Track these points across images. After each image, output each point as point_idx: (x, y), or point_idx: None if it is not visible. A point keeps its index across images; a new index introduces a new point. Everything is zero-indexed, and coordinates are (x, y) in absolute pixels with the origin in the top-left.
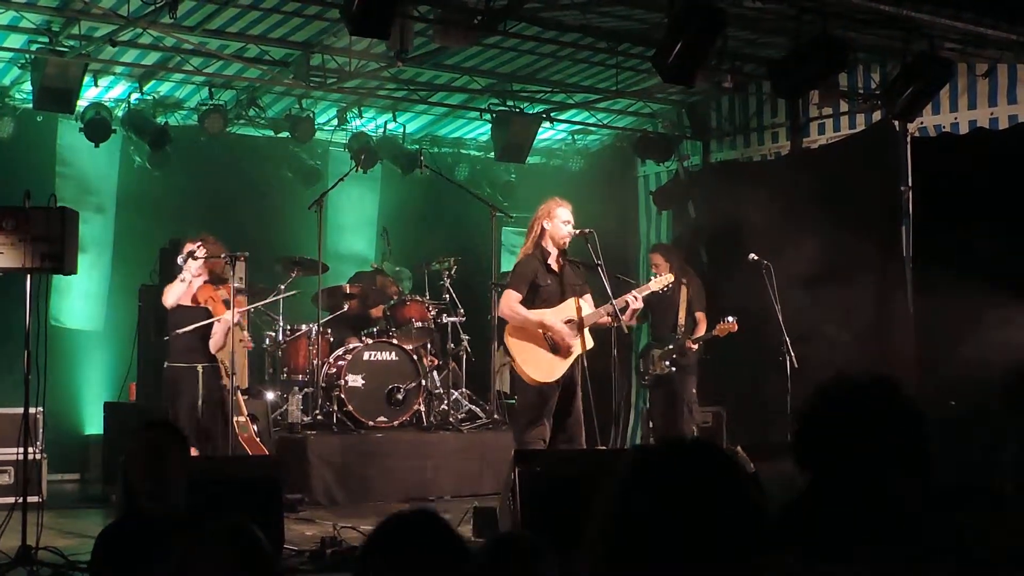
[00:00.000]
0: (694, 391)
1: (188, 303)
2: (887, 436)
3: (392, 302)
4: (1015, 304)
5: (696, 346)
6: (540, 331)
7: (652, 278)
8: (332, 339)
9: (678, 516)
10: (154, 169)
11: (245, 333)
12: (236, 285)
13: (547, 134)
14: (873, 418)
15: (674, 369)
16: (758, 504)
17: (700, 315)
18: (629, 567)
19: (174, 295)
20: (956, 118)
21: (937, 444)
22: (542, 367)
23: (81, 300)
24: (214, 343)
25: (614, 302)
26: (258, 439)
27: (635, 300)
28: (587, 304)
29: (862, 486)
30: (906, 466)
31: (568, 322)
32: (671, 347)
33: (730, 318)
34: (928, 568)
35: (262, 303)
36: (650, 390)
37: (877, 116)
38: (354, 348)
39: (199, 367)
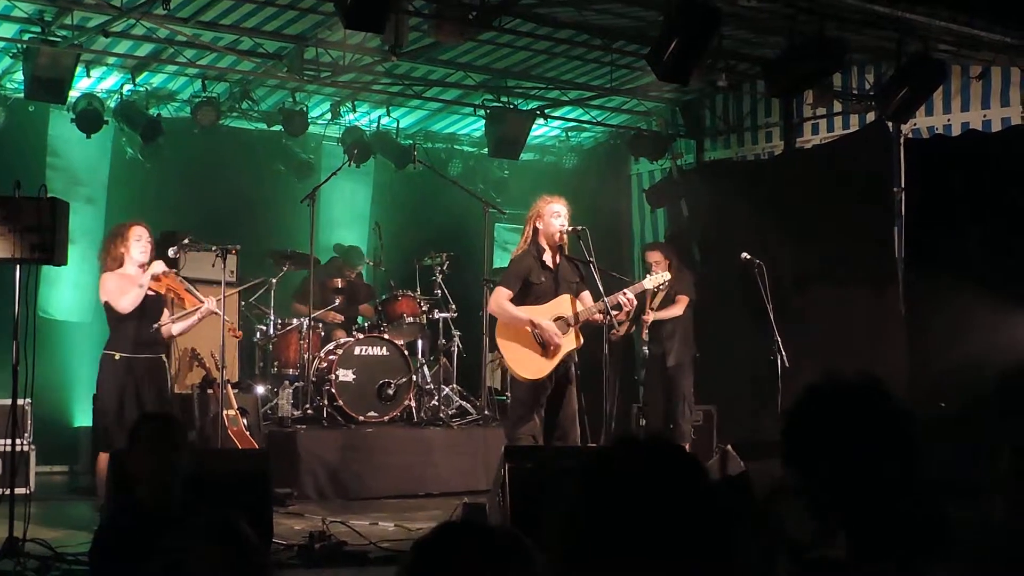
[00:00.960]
0: (692, 389)
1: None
2: (875, 436)
3: (383, 297)
4: (1007, 305)
5: (651, 316)
6: (528, 329)
7: (647, 276)
8: (323, 333)
9: (628, 513)
10: (146, 161)
11: (229, 320)
12: (228, 279)
13: (541, 131)
14: (861, 418)
15: (634, 327)
16: (718, 504)
17: (681, 298)
18: (583, 565)
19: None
20: (949, 120)
21: (926, 444)
22: (530, 364)
23: (71, 291)
24: (178, 331)
25: (606, 300)
26: (248, 433)
27: (628, 302)
28: (583, 302)
29: (849, 486)
30: (895, 466)
31: (558, 319)
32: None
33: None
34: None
35: (234, 291)
36: (644, 387)
37: (871, 117)
38: (345, 343)
39: (163, 357)
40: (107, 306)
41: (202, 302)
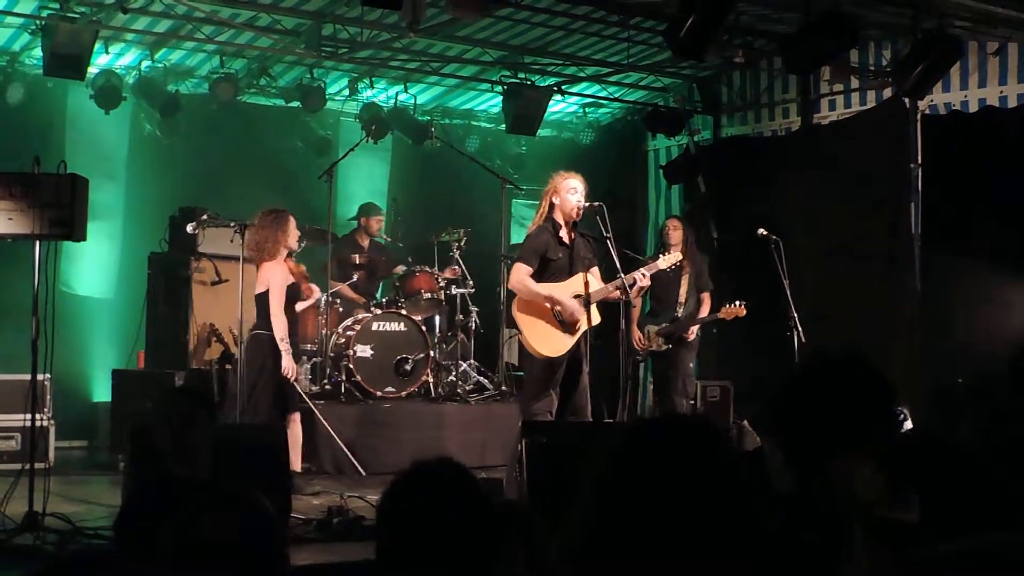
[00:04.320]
0: (692, 365)
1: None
2: (856, 410)
3: (401, 273)
4: (1022, 282)
5: (694, 332)
6: (548, 305)
7: (661, 255)
8: (341, 309)
9: (671, 492)
10: (164, 137)
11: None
12: (246, 255)
13: (558, 107)
14: (841, 392)
15: (670, 346)
16: (751, 484)
17: (705, 296)
18: (616, 545)
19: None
20: (966, 96)
21: (943, 418)
22: (550, 341)
23: (92, 267)
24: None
25: (623, 277)
26: None
27: (643, 278)
28: (595, 278)
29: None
30: (876, 436)
31: (576, 297)
32: (667, 325)
33: (739, 302)
34: None
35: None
36: (653, 364)
37: (888, 93)
38: (363, 318)
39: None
40: (266, 295)
41: (312, 289)
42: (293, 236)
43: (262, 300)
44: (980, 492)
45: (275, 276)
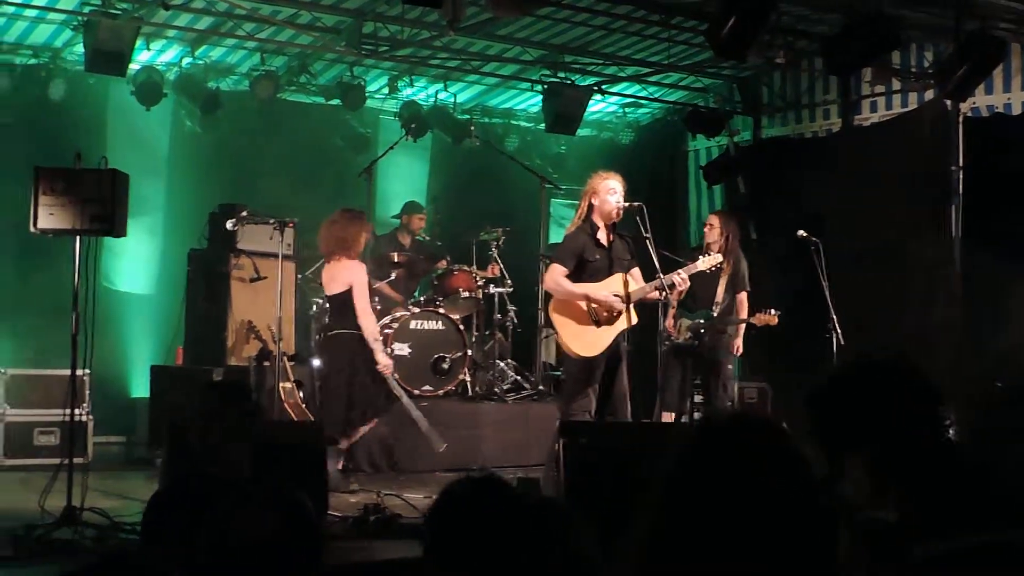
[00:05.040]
0: (731, 367)
1: None
2: (901, 413)
3: (442, 270)
4: None
5: (738, 347)
6: (584, 305)
7: (701, 256)
8: (379, 307)
9: (742, 491)
10: (204, 133)
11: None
12: (285, 252)
13: (598, 106)
14: (886, 396)
15: (696, 342)
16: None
17: (742, 296)
18: (683, 547)
19: None
20: (1009, 99)
21: (981, 424)
22: (586, 341)
23: (133, 263)
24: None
25: (662, 278)
26: (303, 405)
27: (682, 282)
28: (635, 279)
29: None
30: (922, 441)
31: (614, 296)
32: (701, 321)
33: (772, 310)
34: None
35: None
36: (691, 365)
37: (930, 95)
38: (401, 316)
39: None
40: (349, 292)
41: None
42: (366, 239)
43: (340, 300)
44: (977, 492)
45: (359, 275)
